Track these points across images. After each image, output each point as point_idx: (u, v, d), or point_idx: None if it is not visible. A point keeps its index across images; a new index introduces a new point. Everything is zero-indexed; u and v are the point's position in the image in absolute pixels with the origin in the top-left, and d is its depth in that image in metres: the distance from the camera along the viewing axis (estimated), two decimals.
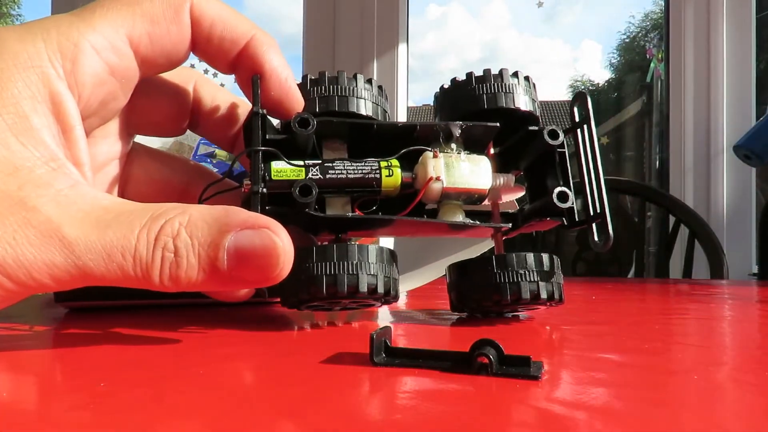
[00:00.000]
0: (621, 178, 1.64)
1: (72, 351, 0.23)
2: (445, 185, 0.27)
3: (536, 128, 0.29)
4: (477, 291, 0.28)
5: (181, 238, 0.19)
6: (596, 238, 0.28)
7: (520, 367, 0.18)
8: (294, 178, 0.26)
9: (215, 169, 0.40)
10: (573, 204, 0.28)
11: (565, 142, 0.29)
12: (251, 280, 0.20)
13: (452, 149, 0.28)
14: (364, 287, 0.25)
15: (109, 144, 0.26)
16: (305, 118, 0.25)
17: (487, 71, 0.29)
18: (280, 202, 0.25)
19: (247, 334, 0.26)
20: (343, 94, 0.27)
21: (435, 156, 0.27)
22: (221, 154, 0.42)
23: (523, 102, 0.29)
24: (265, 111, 0.25)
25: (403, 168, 0.27)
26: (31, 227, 0.18)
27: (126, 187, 0.27)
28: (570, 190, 0.28)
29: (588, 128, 0.28)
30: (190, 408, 0.15)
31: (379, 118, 0.28)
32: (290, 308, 0.27)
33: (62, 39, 0.21)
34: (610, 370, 0.20)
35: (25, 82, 0.20)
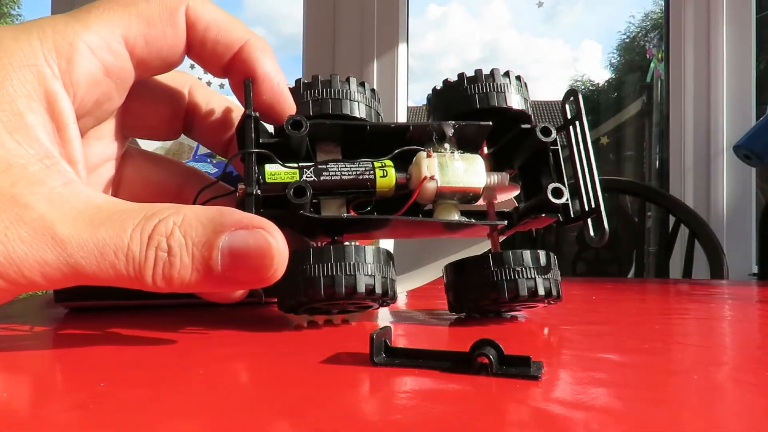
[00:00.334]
0: (621, 178, 1.64)
1: (72, 351, 0.23)
2: (439, 184, 0.27)
3: (529, 126, 0.29)
4: (474, 290, 0.28)
5: (174, 237, 0.19)
6: (592, 234, 0.28)
7: (520, 367, 0.18)
8: (288, 180, 0.25)
9: (215, 170, 0.40)
10: (568, 200, 0.28)
11: (558, 139, 0.29)
12: (245, 280, 0.20)
13: (446, 149, 0.28)
14: (362, 288, 0.25)
15: (104, 145, 0.26)
16: (298, 120, 0.25)
17: (478, 71, 0.29)
18: (275, 205, 0.25)
19: (247, 334, 0.26)
20: (337, 97, 0.27)
21: (429, 156, 0.27)
22: None
23: (515, 101, 0.29)
24: (257, 114, 0.25)
25: (397, 169, 0.27)
26: (24, 224, 0.18)
27: (119, 188, 0.27)
28: (564, 186, 0.28)
29: (580, 125, 0.29)
30: (190, 408, 0.15)
31: (373, 121, 0.28)
32: (287, 312, 0.27)
33: (58, 38, 0.21)
34: (610, 370, 0.20)
35: (20, 80, 0.20)
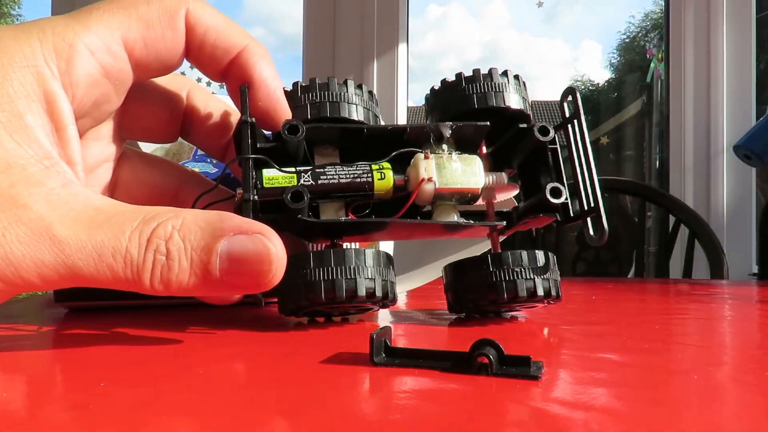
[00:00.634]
0: (621, 178, 1.64)
1: (72, 351, 0.23)
2: (437, 186, 0.27)
3: (527, 126, 0.29)
4: (473, 291, 0.28)
5: (173, 241, 0.19)
6: (592, 233, 0.28)
7: (520, 367, 0.18)
8: (286, 185, 0.26)
9: (215, 170, 0.40)
10: (567, 199, 0.28)
11: (556, 138, 0.29)
12: (243, 285, 0.20)
13: (443, 150, 0.28)
14: (362, 291, 0.25)
15: (101, 146, 0.26)
16: (294, 125, 0.25)
17: (476, 71, 0.29)
18: (273, 210, 0.25)
19: (247, 334, 0.26)
20: (334, 100, 0.27)
21: (426, 157, 0.27)
22: None
23: (513, 100, 0.29)
24: (254, 120, 0.25)
25: (395, 171, 0.27)
26: (22, 225, 0.18)
27: (116, 190, 0.27)
28: (563, 185, 0.28)
29: (578, 123, 0.28)
30: (190, 408, 0.15)
31: (371, 123, 0.28)
32: (288, 315, 0.27)
33: (57, 39, 0.21)
34: (610, 370, 0.20)
35: (20, 81, 0.20)
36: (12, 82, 0.20)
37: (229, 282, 0.20)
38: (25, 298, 0.43)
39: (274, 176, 0.26)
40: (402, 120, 1.43)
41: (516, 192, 0.31)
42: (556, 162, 0.29)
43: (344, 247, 0.27)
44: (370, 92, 0.29)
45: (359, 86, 0.28)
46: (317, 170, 0.26)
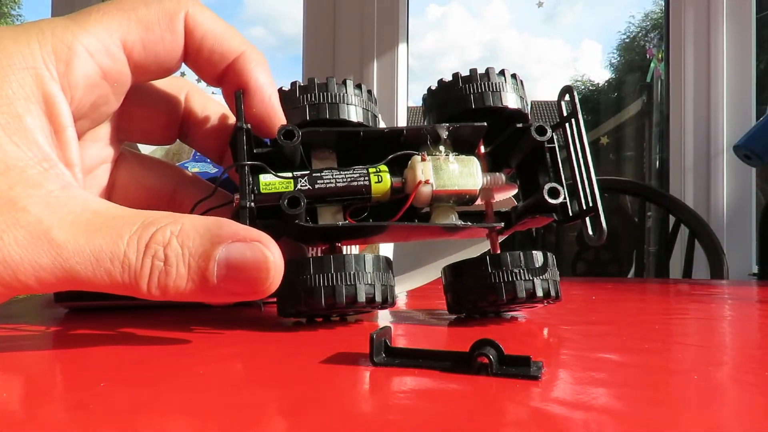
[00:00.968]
0: (621, 178, 1.64)
1: (72, 351, 0.23)
2: (434, 188, 0.27)
3: (524, 125, 0.29)
4: (472, 292, 0.28)
5: (171, 247, 0.19)
6: (591, 232, 0.28)
7: (520, 367, 0.18)
8: (283, 190, 0.25)
9: (215, 170, 0.40)
10: (566, 199, 0.28)
11: (554, 137, 0.29)
12: (240, 292, 0.20)
13: (440, 151, 0.28)
14: (362, 297, 0.25)
15: (99, 148, 0.26)
16: (290, 130, 0.25)
17: (473, 71, 0.29)
18: (271, 215, 0.25)
19: (247, 334, 0.26)
20: (333, 101, 0.27)
21: (423, 159, 0.27)
22: None
23: (510, 100, 0.29)
24: (249, 126, 0.25)
25: (393, 173, 0.27)
26: (20, 227, 0.18)
27: (113, 191, 0.27)
28: (561, 185, 0.28)
29: (576, 122, 0.28)
30: (190, 408, 0.15)
31: (370, 124, 0.28)
32: (286, 317, 0.27)
33: (57, 41, 0.21)
34: (610, 370, 0.20)
35: (19, 82, 0.20)
36: (11, 84, 0.20)
37: (227, 289, 0.20)
38: (25, 298, 0.43)
39: (270, 181, 0.26)
40: (402, 120, 1.43)
41: (515, 191, 0.30)
42: (554, 162, 0.29)
43: (343, 249, 0.27)
44: (369, 92, 0.29)
45: (358, 86, 0.28)
46: (314, 174, 0.26)
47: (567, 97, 0.29)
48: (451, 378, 0.18)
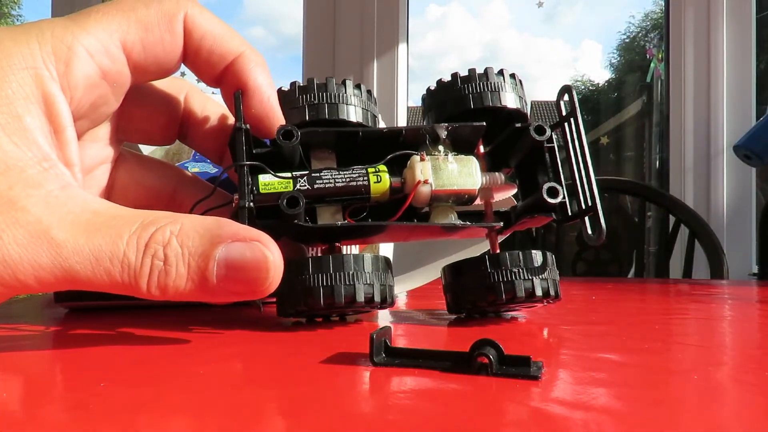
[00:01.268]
0: (621, 178, 1.64)
1: (72, 351, 0.23)
2: (434, 188, 0.27)
3: (522, 125, 0.29)
4: (472, 292, 0.28)
5: (171, 246, 0.19)
6: (590, 232, 0.28)
7: (520, 367, 0.18)
8: (282, 190, 0.26)
9: (215, 170, 0.40)
10: (565, 199, 0.28)
11: (553, 137, 0.29)
12: (239, 292, 0.20)
13: (440, 151, 0.28)
14: (361, 297, 0.25)
15: (98, 148, 0.26)
16: (289, 130, 0.25)
17: (472, 71, 0.29)
18: (270, 215, 0.25)
19: (247, 334, 0.26)
20: (333, 101, 0.27)
21: (422, 159, 0.27)
22: None
23: (509, 100, 0.29)
24: (248, 126, 0.25)
25: (392, 173, 0.27)
26: (20, 227, 0.18)
27: (112, 191, 0.27)
28: (560, 185, 0.28)
29: (575, 122, 0.28)
30: (190, 408, 0.15)
31: (369, 124, 0.28)
32: (286, 317, 0.27)
33: (56, 41, 0.21)
34: (610, 370, 0.20)
35: (19, 82, 0.20)
36: (11, 84, 0.20)
37: (226, 288, 0.20)
38: (25, 298, 0.43)
39: (269, 182, 0.26)
40: (402, 120, 1.43)
41: (514, 191, 0.30)
42: (554, 161, 0.29)
43: (343, 249, 0.27)
44: (369, 92, 0.29)
45: (357, 86, 0.28)
46: (313, 174, 0.26)
47: (566, 97, 0.29)
48: (451, 378, 0.18)
